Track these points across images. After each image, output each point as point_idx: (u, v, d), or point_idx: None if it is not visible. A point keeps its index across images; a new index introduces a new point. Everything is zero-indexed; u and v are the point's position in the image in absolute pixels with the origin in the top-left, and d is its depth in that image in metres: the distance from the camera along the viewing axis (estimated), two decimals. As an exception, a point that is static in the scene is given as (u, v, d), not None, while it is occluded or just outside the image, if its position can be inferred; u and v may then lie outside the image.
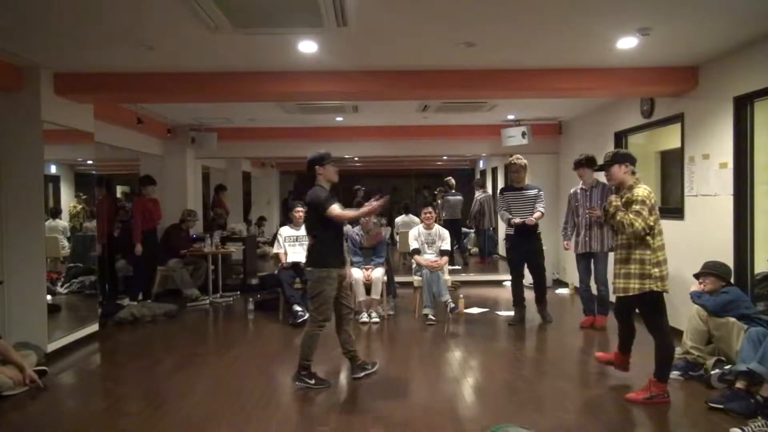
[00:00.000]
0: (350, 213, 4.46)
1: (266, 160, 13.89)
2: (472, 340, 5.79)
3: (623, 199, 3.91)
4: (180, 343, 5.85)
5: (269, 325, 6.55)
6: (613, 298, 4.46)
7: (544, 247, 6.44)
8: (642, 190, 3.85)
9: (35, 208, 5.22)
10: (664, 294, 3.93)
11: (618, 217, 3.82)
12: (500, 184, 12.92)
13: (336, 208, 4.19)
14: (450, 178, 11.67)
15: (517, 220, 6.16)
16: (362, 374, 4.46)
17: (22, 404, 4.14)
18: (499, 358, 5.23)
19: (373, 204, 4.32)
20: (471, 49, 4.74)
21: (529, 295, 6.46)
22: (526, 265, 6.39)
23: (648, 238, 3.81)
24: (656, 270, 3.82)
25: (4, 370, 4.24)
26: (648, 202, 3.79)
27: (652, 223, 3.79)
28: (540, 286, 6.34)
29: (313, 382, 4.30)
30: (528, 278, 6.48)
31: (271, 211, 15.54)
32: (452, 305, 6.46)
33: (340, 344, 4.54)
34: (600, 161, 6.21)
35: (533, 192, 6.25)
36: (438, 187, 13.36)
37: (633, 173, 3.97)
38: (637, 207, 3.78)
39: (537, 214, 6.12)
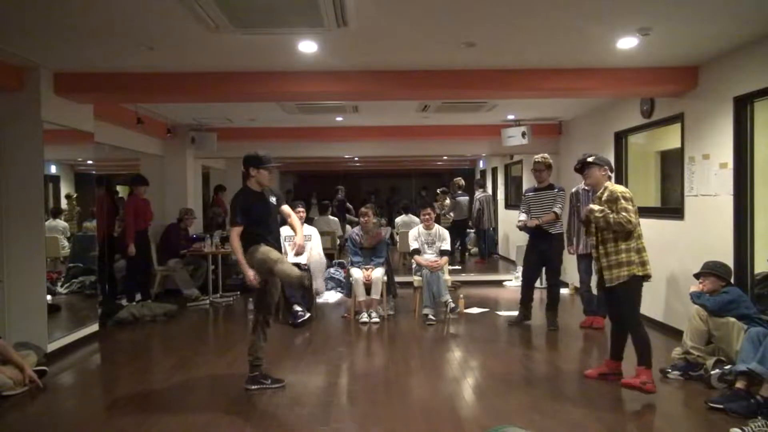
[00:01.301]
0: (238, 251, 4.12)
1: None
2: (472, 340, 5.79)
3: (603, 198, 4.16)
4: (180, 343, 5.85)
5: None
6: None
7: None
8: (618, 186, 4.19)
9: (35, 208, 5.22)
10: (645, 282, 4.18)
11: (612, 221, 4.03)
12: (500, 184, 12.94)
13: (235, 233, 4.12)
14: (459, 178, 11.69)
15: (521, 222, 6.14)
16: (255, 387, 4.23)
17: (22, 404, 4.14)
18: (499, 358, 5.23)
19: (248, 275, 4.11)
20: (471, 49, 4.74)
21: (536, 295, 6.46)
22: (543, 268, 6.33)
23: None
24: (637, 256, 4.07)
25: (4, 370, 4.24)
26: (627, 195, 4.10)
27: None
28: (553, 293, 6.19)
29: (262, 381, 4.26)
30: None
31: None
32: (452, 305, 6.46)
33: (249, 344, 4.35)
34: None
35: (555, 192, 6.11)
36: (442, 187, 13.38)
37: (609, 178, 4.28)
38: (622, 204, 4.05)
39: (546, 216, 5.99)
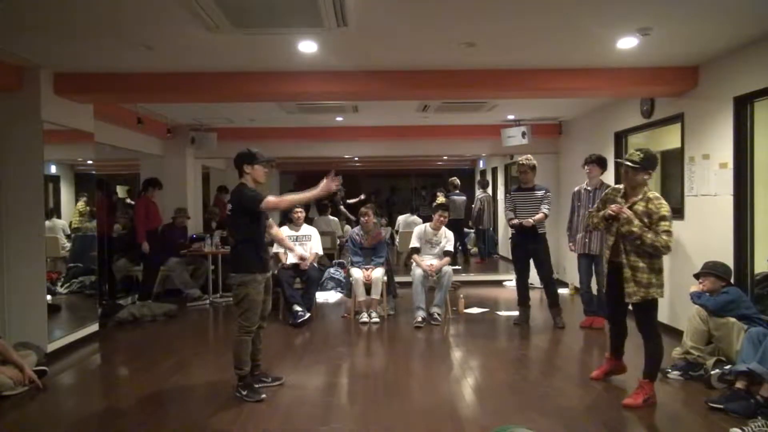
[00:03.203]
0: (288, 197, 4.05)
1: (266, 160, 13.86)
2: (472, 340, 5.79)
3: (633, 206, 3.79)
4: (180, 343, 5.84)
5: (269, 325, 6.45)
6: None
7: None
8: (666, 205, 3.75)
9: (35, 208, 5.21)
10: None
11: (649, 241, 3.67)
12: (500, 184, 12.95)
13: (271, 198, 3.95)
14: (455, 178, 11.71)
15: (516, 221, 6.16)
16: (244, 392, 4.06)
17: (22, 404, 4.14)
18: (500, 358, 5.23)
19: (320, 186, 3.97)
20: (471, 49, 4.74)
21: (534, 295, 6.45)
22: (533, 265, 6.35)
23: None
24: (658, 278, 3.82)
25: (4, 370, 4.24)
26: (670, 215, 3.73)
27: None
28: (550, 290, 6.21)
29: (245, 393, 4.06)
30: (533, 279, 6.44)
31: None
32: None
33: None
34: (608, 161, 6.27)
35: (541, 193, 6.19)
36: (439, 187, 13.38)
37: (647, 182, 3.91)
38: (666, 225, 3.68)
39: (538, 216, 6.06)
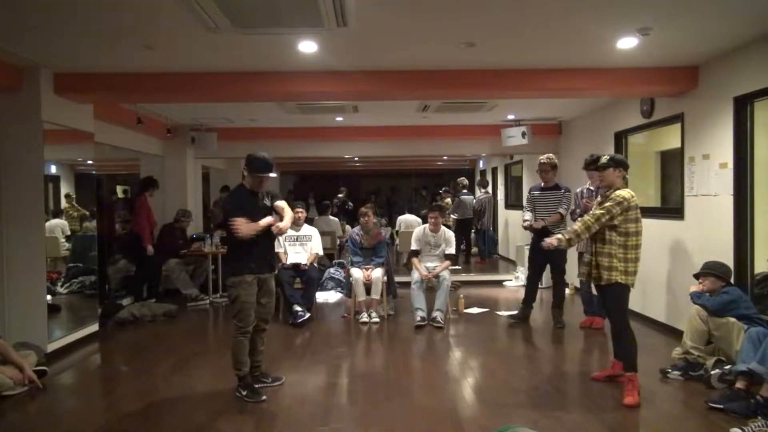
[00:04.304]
0: (252, 227, 4.00)
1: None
2: (472, 340, 5.79)
3: (605, 199, 4.10)
4: (180, 343, 5.84)
5: (269, 325, 6.53)
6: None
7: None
8: (623, 192, 4.01)
9: (35, 208, 5.22)
10: (630, 288, 4.06)
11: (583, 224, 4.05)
12: (500, 184, 12.95)
13: (240, 223, 3.98)
14: (463, 178, 11.72)
15: (527, 223, 6.16)
16: (244, 392, 4.09)
17: (22, 404, 4.14)
18: (500, 358, 5.23)
19: (269, 220, 4.10)
20: (471, 49, 4.74)
21: (537, 295, 6.48)
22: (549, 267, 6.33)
23: (618, 237, 3.97)
24: (622, 265, 3.98)
25: (4, 370, 4.24)
26: (624, 203, 3.95)
27: (617, 222, 3.94)
28: (557, 290, 6.21)
29: (245, 393, 4.09)
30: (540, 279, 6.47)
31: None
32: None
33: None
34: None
35: (561, 192, 6.15)
36: (443, 187, 13.40)
37: (624, 178, 4.16)
38: (608, 204, 3.97)
39: (552, 217, 6.02)
